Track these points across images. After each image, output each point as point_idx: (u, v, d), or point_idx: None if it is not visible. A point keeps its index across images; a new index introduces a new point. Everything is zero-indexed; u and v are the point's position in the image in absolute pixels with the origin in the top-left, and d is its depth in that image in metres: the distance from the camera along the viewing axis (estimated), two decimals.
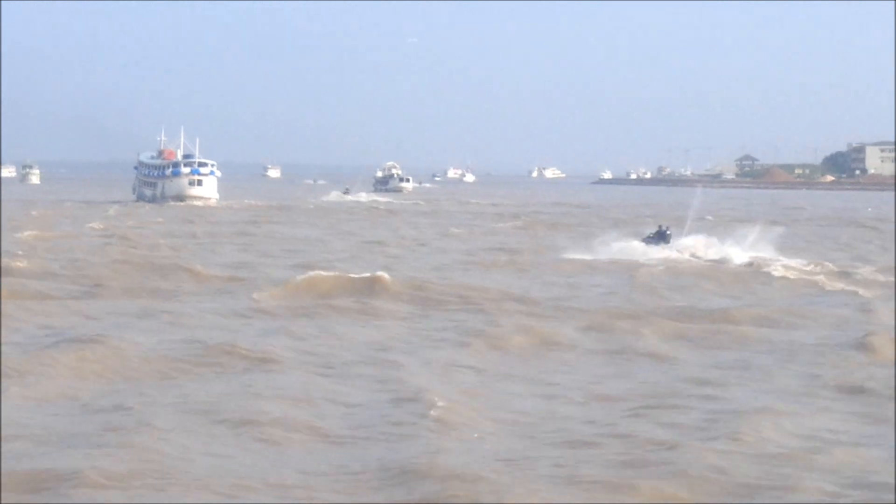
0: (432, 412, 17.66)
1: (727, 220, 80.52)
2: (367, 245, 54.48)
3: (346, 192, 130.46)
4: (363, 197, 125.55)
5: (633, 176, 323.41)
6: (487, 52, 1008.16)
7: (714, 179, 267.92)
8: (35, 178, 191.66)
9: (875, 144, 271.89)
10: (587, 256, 45.85)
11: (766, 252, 46.91)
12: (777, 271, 41.43)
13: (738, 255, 45.81)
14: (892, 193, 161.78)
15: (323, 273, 36.57)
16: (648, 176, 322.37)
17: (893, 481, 14.21)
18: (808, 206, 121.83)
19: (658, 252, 46.12)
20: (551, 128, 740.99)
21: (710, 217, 79.74)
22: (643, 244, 47.71)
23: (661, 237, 47.89)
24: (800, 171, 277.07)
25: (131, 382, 20.19)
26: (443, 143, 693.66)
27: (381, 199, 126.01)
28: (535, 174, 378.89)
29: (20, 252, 42.44)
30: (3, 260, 37.67)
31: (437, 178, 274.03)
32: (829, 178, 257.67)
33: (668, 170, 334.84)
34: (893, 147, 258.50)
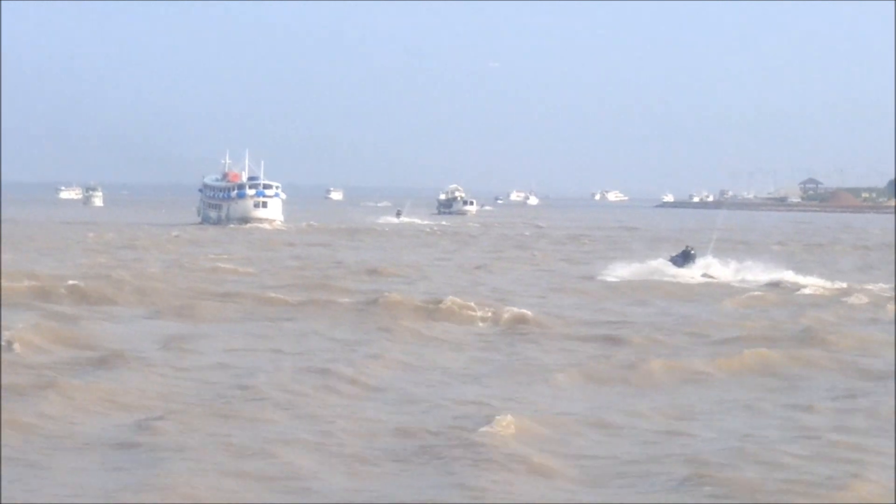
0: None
1: (806, 246, 79.18)
2: (447, 269, 53.85)
3: (399, 214, 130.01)
4: (417, 220, 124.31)
5: (696, 199, 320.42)
6: (550, 76, 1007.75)
7: (779, 203, 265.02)
8: (98, 201, 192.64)
9: None
10: (625, 276, 46.76)
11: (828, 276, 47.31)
12: (857, 299, 40.19)
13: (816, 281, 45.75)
14: None
15: (398, 296, 35.71)
16: (711, 199, 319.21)
17: None
18: (879, 230, 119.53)
19: (685, 272, 47.20)
20: (614, 150, 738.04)
21: (776, 245, 78.06)
22: (671, 264, 48.75)
23: (686, 257, 48.55)
24: (866, 195, 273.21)
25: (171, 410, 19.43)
26: (504, 165, 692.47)
27: (447, 222, 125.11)
28: (598, 197, 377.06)
29: (83, 274, 41.65)
30: (51, 283, 37.24)
31: (499, 201, 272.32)
32: None
33: (730, 193, 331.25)
34: None
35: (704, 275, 47.35)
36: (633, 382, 23.47)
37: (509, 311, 33.58)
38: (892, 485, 15.22)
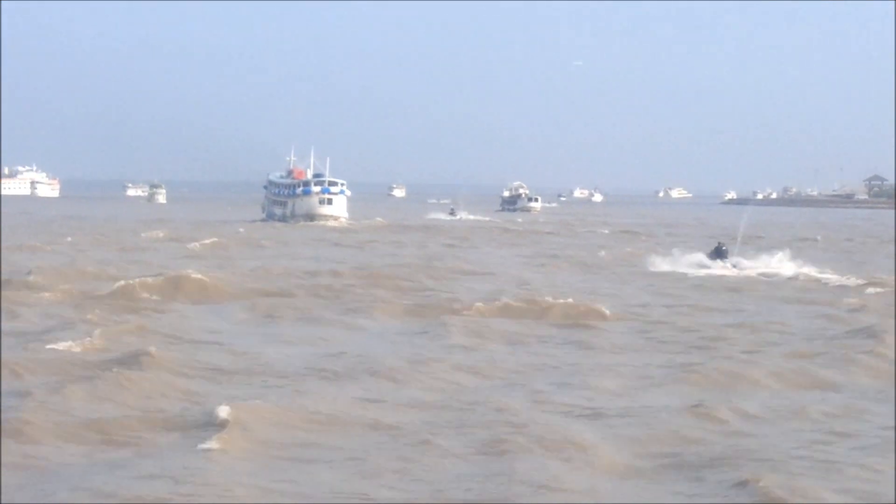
0: None
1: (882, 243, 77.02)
2: (527, 266, 52.49)
3: (452, 212, 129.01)
4: (481, 217, 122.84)
5: (760, 196, 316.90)
6: (612, 74, 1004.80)
7: (846, 200, 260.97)
8: (161, 198, 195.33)
9: None
10: (667, 269, 49.18)
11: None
12: None
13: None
14: None
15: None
16: (774, 196, 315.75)
17: None
18: None
19: (718, 267, 49.46)
20: (678, 147, 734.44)
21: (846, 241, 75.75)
22: (706, 259, 51.48)
23: (718, 253, 51.44)
24: None
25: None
26: (565, 162, 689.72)
27: (505, 219, 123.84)
28: (661, 194, 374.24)
29: (143, 273, 40.26)
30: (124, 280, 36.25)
31: (562, 198, 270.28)
32: None
33: (794, 190, 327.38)
34: None
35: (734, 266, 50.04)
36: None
37: (600, 310, 32.36)
38: None
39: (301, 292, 37.02)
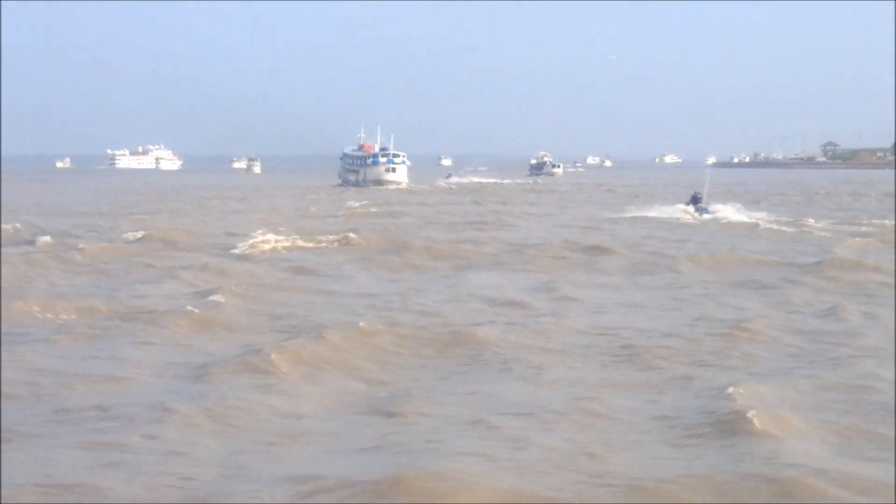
0: None
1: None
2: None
3: (449, 176, 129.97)
4: (508, 181, 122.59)
5: (735, 160, 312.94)
6: (624, 59, 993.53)
7: (807, 162, 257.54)
8: (257, 169, 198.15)
9: None
10: (650, 214, 49.34)
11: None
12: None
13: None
14: None
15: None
16: (747, 160, 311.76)
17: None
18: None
19: (695, 213, 48.95)
20: (672, 118, 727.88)
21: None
22: (683, 206, 51.44)
23: (694, 201, 51.19)
24: (880, 154, 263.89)
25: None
26: (579, 132, 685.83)
27: (541, 181, 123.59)
28: (657, 160, 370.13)
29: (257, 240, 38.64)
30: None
31: (577, 164, 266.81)
32: None
33: (762, 155, 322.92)
34: None
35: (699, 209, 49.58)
36: None
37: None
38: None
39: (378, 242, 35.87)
